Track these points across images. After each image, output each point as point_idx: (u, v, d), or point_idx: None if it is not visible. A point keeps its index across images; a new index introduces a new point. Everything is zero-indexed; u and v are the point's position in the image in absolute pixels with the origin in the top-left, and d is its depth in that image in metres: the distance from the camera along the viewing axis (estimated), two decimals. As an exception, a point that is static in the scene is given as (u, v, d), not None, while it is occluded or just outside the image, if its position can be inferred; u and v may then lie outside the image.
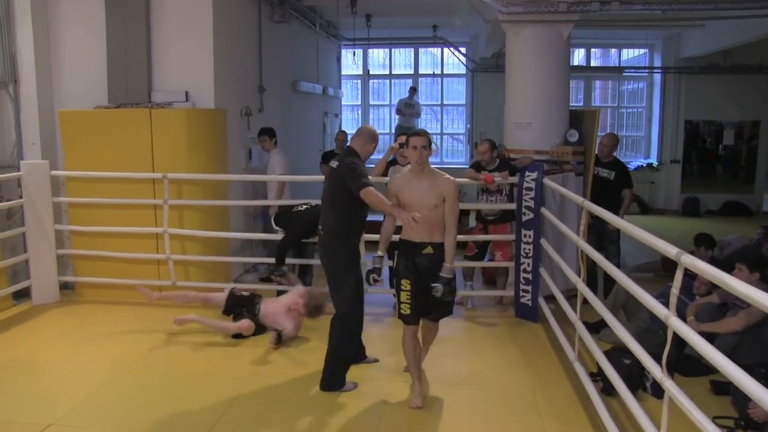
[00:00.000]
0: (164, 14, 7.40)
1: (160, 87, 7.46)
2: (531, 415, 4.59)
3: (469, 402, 4.88)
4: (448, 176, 4.57)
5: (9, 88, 7.32)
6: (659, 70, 14.88)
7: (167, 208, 6.89)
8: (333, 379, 4.98)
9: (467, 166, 8.33)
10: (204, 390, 4.95)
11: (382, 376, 5.35)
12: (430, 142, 4.56)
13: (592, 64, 15.98)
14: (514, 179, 6.62)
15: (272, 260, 7.17)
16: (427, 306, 4.73)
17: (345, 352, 5.07)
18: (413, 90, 15.10)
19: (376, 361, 5.57)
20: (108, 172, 6.93)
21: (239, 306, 6.19)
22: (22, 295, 7.17)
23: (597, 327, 5.88)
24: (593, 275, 7.02)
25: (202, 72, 7.40)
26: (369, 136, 5.08)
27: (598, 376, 4.87)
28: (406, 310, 4.68)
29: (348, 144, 5.21)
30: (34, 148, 7.40)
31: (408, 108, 14.91)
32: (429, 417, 4.62)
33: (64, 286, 7.43)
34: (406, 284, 4.64)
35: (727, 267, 4.54)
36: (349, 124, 16.45)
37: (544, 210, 6.39)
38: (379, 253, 4.74)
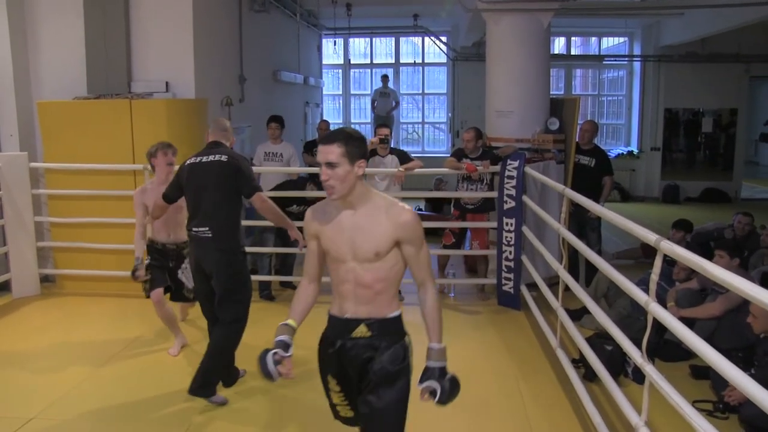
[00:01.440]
0: (144, 3, 7.32)
1: (139, 77, 7.39)
2: (514, 402, 4.63)
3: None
4: (403, 206, 2.80)
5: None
6: (639, 59, 14.98)
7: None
8: (208, 386, 4.53)
9: (448, 155, 8.36)
10: (186, 382, 4.94)
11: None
12: (361, 153, 2.73)
13: (573, 52, 16.06)
14: (496, 168, 6.65)
15: (257, 250, 7.24)
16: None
17: (228, 359, 4.70)
18: (385, 78, 15.12)
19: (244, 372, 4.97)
20: (88, 164, 6.87)
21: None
22: (2, 288, 7.10)
23: (579, 314, 5.95)
24: (574, 263, 7.08)
25: (183, 62, 7.34)
26: (230, 130, 4.76)
27: (579, 362, 4.93)
28: (345, 412, 3.14)
29: (213, 139, 4.66)
30: (12, 139, 7.31)
31: (383, 97, 14.93)
32: (411, 405, 4.63)
33: (45, 279, 7.37)
34: (333, 384, 3.07)
35: (697, 248, 4.61)
36: (331, 114, 16.44)
37: (525, 198, 6.43)
38: (290, 322, 3.02)
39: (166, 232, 5.30)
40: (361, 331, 2.87)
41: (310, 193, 7.54)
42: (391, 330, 2.91)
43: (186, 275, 5.34)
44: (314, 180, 8.54)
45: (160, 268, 5.33)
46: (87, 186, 6.96)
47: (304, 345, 5.70)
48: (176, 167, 4.89)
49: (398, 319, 2.93)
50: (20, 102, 7.33)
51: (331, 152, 2.67)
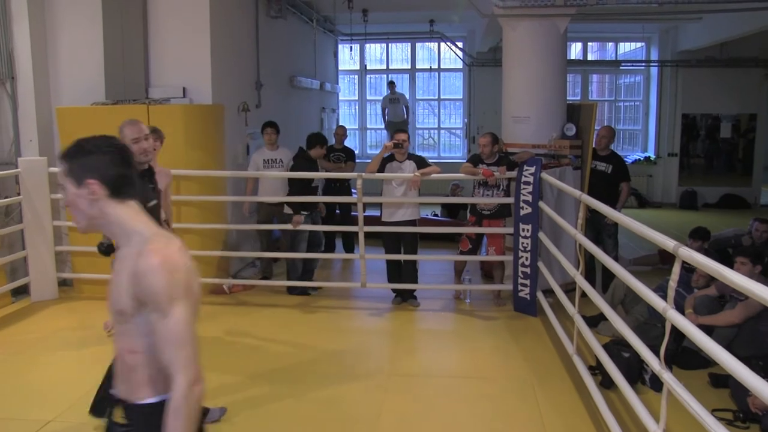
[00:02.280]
0: (161, 10, 7.38)
1: (157, 83, 7.44)
2: (530, 408, 4.60)
3: (467, 395, 4.90)
4: (157, 247, 1.99)
5: (6, 85, 7.31)
6: (656, 64, 14.89)
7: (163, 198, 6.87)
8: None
9: (464, 160, 8.34)
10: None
11: (374, 373, 5.36)
12: (89, 169, 2.08)
13: (589, 57, 15.99)
14: (512, 174, 6.63)
15: (267, 255, 7.33)
16: None
17: None
18: (392, 84, 15.11)
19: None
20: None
21: None
22: (21, 292, 7.16)
23: (595, 321, 5.91)
24: (591, 269, 7.04)
25: (200, 68, 7.38)
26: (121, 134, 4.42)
27: (596, 369, 4.89)
28: None
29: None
30: (32, 144, 7.39)
31: (393, 103, 14.92)
32: (427, 410, 4.63)
33: (63, 283, 7.42)
34: None
35: (715, 255, 4.56)
36: (347, 119, 16.46)
37: (542, 204, 6.39)
38: None
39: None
40: (118, 415, 2.14)
41: (323, 198, 7.60)
42: (150, 422, 2.01)
43: None
44: (330, 187, 8.59)
45: None
46: (105, 191, 6.99)
47: (311, 345, 5.73)
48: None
49: (157, 409, 2.00)
50: (40, 108, 7.42)
51: (61, 172, 2.09)
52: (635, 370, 4.79)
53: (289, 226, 7.15)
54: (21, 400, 4.73)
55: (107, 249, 4.66)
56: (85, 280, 7.31)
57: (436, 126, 16.72)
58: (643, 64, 15.34)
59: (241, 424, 4.40)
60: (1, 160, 7.31)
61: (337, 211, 9.02)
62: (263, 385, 5.01)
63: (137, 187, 2.12)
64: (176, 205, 7.06)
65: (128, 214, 2.06)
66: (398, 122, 14.45)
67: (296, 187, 7.23)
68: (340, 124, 11.76)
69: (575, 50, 15.60)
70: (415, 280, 7.07)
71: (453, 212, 11.08)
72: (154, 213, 4.10)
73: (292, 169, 7.41)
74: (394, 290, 7.13)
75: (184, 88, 7.35)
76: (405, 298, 7.06)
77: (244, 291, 7.44)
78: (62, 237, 7.48)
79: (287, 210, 7.28)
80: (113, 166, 2.08)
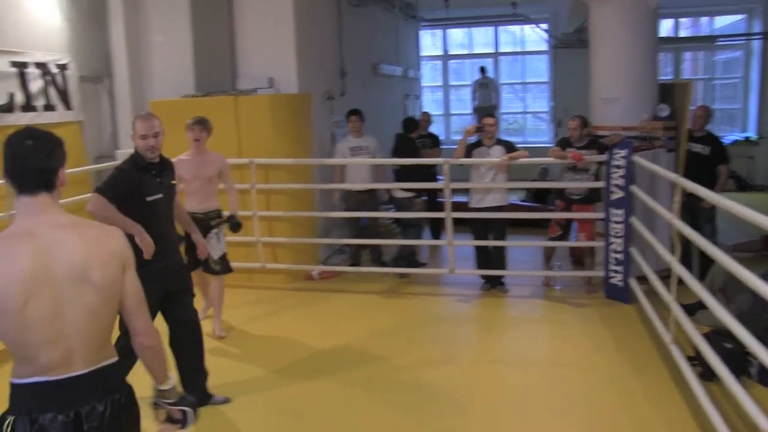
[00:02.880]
0: (246, 3, 7.53)
1: (244, 74, 7.60)
2: (625, 399, 4.47)
3: (559, 384, 4.81)
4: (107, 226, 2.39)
5: (105, 83, 7.64)
6: (759, 36, 14.04)
7: (255, 192, 7.03)
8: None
9: (551, 145, 8.16)
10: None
11: (463, 359, 5.32)
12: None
13: (681, 34, 15.28)
14: (603, 157, 6.43)
15: (355, 241, 7.47)
16: None
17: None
18: (483, 69, 14.87)
19: (226, 401, 4.55)
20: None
21: None
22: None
23: (692, 309, 5.65)
24: (687, 255, 6.75)
25: (285, 58, 7.50)
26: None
27: (695, 360, 4.68)
28: None
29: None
30: (129, 138, 7.67)
31: (483, 88, 14.71)
32: (517, 397, 4.57)
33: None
34: None
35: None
36: (430, 105, 16.36)
37: (634, 188, 6.18)
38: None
39: (197, 200, 5.62)
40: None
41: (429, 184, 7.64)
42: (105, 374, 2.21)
43: (212, 245, 5.52)
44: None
45: (187, 245, 5.31)
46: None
47: (399, 331, 5.72)
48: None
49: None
50: (135, 102, 7.72)
51: None
52: (738, 363, 4.56)
53: (375, 214, 7.24)
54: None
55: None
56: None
57: (522, 110, 16.44)
58: (744, 38, 14.53)
59: (329, 406, 4.45)
60: (101, 153, 7.63)
61: (424, 198, 8.98)
62: (351, 369, 5.07)
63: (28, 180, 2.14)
64: (265, 193, 7.22)
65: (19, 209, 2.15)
66: (486, 107, 14.24)
67: (413, 172, 7.48)
68: (424, 110, 11.69)
69: (666, 27, 14.95)
70: (503, 267, 6.98)
71: (541, 197, 10.87)
72: (156, 207, 4.05)
73: (399, 154, 7.60)
74: (482, 276, 7.06)
75: (270, 79, 7.47)
76: (493, 284, 6.99)
77: (332, 277, 7.54)
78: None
79: (400, 194, 7.41)
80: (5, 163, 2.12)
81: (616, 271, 6.46)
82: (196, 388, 4.22)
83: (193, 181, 5.60)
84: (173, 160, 5.05)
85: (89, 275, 2.11)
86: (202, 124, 5.68)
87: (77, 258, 2.10)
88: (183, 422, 2.41)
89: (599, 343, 5.49)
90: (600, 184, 6.56)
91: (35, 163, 2.13)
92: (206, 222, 5.58)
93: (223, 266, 5.76)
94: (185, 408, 2.41)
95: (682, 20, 15.28)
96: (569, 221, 7.04)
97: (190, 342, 4.32)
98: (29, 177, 2.13)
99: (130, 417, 2.29)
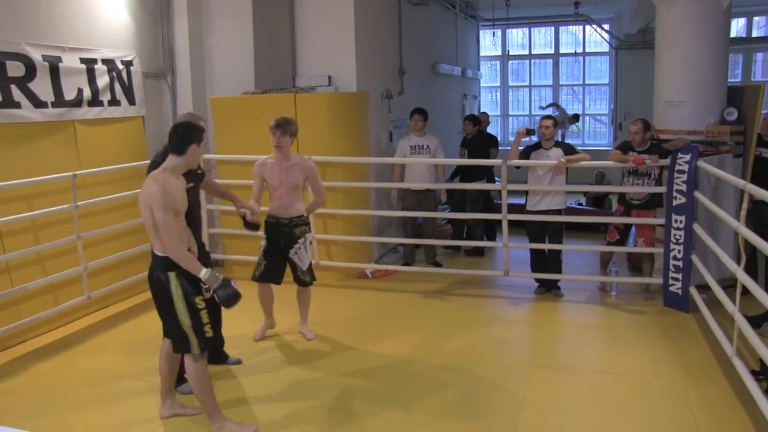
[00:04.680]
0: (308, 2, 7.60)
1: (303, 72, 7.67)
2: (682, 412, 4.34)
3: (613, 393, 4.71)
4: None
5: (167, 78, 7.81)
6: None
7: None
8: None
9: (610, 148, 8.00)
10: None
11: (515, 363, 5.25)
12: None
13: (754, 34, 14.74)
14: (666, 162, 6.27)
15: (409, 241, 7.43)
16: None
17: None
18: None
19: (239, 362, 5.22)
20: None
21: None
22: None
23: (758, 321, 5.47)
24: (752, 265, 6.53)
25: (344, 57, 7.54)
26: None
27: (761, 374, 4.52)
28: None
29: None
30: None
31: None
32: (570, 405, 4.49)
33: (215, 263, 7.81)
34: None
35: None
36: (488, 106, 16.26)
37: (697, 194, 6.01)
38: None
39: (281, 206, 5.44)
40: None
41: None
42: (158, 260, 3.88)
43: (300, 256, 5.48)
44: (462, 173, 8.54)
45: (273, 254, 5.46)
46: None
47: (450, 333, 5.67)
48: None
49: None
50: (196, 98, 7.87)
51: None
52: (806, 378, 4.40)
53: (432, 214, 7.31)
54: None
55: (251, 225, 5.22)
56: (235, 261, 7.67)
57: (581, 112, 16.17)
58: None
59: (378, 410, 4.45)
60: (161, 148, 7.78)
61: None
62: (401, 371, 5.06)
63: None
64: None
65: None
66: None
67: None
68: (483, 110, 11.61)
69: (737, 26, 14.45)
70: (559, 271, 6.88)
71: (598, 201, 10.69)
72: (188, 195, 4.15)
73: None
74: (537, 280, 6.98)
75: (329, 77, 7.52)
76: (548, 288, 6.90)
77: (386, 276, 7.54)
78: (214, 220, 7.89)
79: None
80: None
81: (675, 279, 6.29)
82: (214, 350, 4.95)
83: (278, 187, 5.40)
84: (258, 162, 5.24)
85: (140, 207, 3.76)
86: (282, 128, 5.29)
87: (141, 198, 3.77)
88: (224, 301, 3.81)
89: (656, 353, 5.35)
90: (661, 189, 6.40)
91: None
92: (291, 229, 5.45)
93: (311, 276, 5.64)
94: (221, 290, 3.78)
95: (756, 18, 14.71)
96: (628, 226, 6.90)
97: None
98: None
99: (162, 288, 3.84)
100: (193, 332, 3.87)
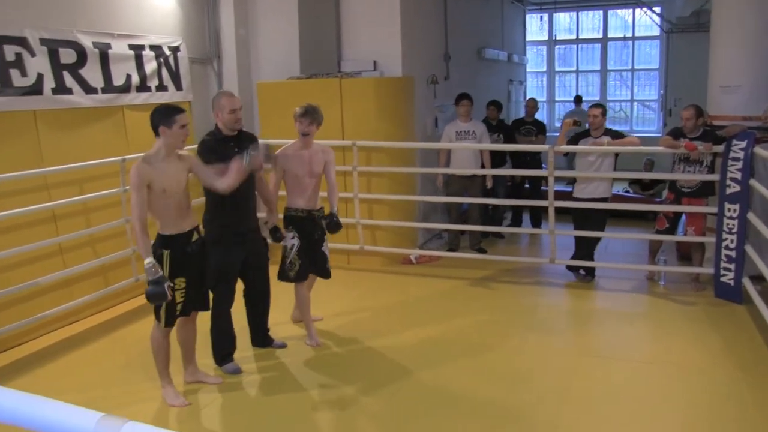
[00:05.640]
0: (353, -13, 7.58)
1: (349, 57, 7.66)
2: (733, 406, 4.23)
3: (661, 384, 4.61)
4: None
5: (213, 64, 7.88)
6: None
7: (356, 174, 7.08)
8: (214, 354, 4.85)
9: (659, 135, 7.83)
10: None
11: (561, 351, 5.19)
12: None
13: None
14: (719, 149, 6.10)
15: (454, 227, 7.46)
16: None
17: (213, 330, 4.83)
18: (579, 99, 14.24)
19: (284, 346, 5.23)
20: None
21: None
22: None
23: (814, 313, 5.32)
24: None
25: (390, 41, 7.50)
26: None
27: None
28: None
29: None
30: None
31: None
32: (615, 394, 4.42)
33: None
34: None
35: None
36: (534, 92, 16.05)
37: (753, 182, 5.84)
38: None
39: (305, 197, 5.15)
40: (194, 238, 4.29)
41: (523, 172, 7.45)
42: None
43: (326, 246, 5.36)
44: (520, 160, 8.43)
45: (305, 250, 5.19)
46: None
47: (495, 319, 5.63)
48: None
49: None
50: (242, 83, 7.92)
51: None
52: None
53: (478, 200, 7.30)
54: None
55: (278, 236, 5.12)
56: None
57: (629, 98, 15.86)
58: None
59: (418, 395, 4.44)
60: (207, 132, 7.84)
61: (526, 185, 8.85)
62: (445, 358, 5.04)
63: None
64: (366, 175, 7.26)
65: None
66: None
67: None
68: (531, 96, 11.47)
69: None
70: (588, 257, 6.78)
71: (646, 189, 10.49)
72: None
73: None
74: (582, 267, 6.88)
75: (374, 62, 7.50)
76: (588, 272, 6.81)
77: (430, 262, 7.52)
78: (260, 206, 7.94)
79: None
80: None
81: (727, 269, 6.13)
82: (260, 334, 5.15)
83: (304, 178, 5.10)
84: (278, 152, 5.17)
85: None
86: (311, 115, 5.09)
87: None
88: (149, 295, 3.83)
89: (706, 344, 5.23)
90: (714, 177, 6.23)
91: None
92: (314, 221, 5.22)
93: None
94: (152, 285, 3.80)
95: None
96: (678, 215, 6.75)
97: (260, 303, 5.09)
98: None
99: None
100: (166, 307, 4.13)
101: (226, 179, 4.23)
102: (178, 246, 4.11)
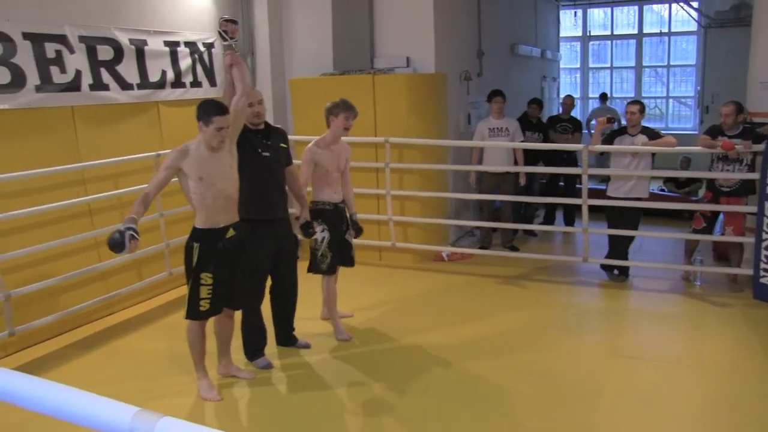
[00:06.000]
0: (386, -18, 7.55)
1: (382, 53, 7.64)
2: (770, 409, 4.15)
3: (694, 386, 4.53)
4: None
5: (247, 60, 7.90)
6: None
7: (389, 171, 7.07)
8: (245, 349, 4.90)
9: (695, 132, 7.69)
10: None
11: (594, 352, 5.13)
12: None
13: None
14: (760, 147, 5.97)
15: (486, 224, 7.50)
16: None
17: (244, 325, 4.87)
18: (605, 97, 14.05)
19: (307, 346, 5.19)
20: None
21: None
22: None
23: None
24: None
25: (423, 38, 7.47)
26: None
27: None
28: None
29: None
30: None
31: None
32: (649, 395, 4.35)
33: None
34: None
35: None
36: (568, 88, 15.89)
37: (794, 181, 5.71)
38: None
39: (331, 191, 5.23)
40: (230, 234, 4.23)
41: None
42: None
43: (350, 236, 5.40)
44: (556, 158, 8.33)
45: (335, 243, 5.22)
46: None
47: (527, 317, 5.57)
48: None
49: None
50: (275, 79, 7.95)
51: None
52: None
53: (510, 197, 7.28)
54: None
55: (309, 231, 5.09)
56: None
57: (664, 95, 15.62)
58: None
59: (454, 396, 4.42)
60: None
61: (561, 183, 8.76)
62: (475, 357, 5.00)
63: None
64: (398, 172, 7.25)
65: None
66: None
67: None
68: (568, 93, 11.34)
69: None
70: (622, 256, 6.69)
71: (682, 188, 10.33)
72: (266, 163, 4.65)
73: None
74: (616, 266, 6.80)
75: (407, 58, 7.47)
76: (622, 271, 6.72)
77: (462, 260, 7.49)
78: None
79: None
80: None
81: (766, 271, 6.01)
82: (285, 332, 5.15)
83: (332, 172, 5.19)
84: (309, 145, 5.17)
85: None
86: (356, 113, 5.25)
87: None
88: (109, 240, 3.70)
89: (744, 347, 5.12)
90: (754, 176, 6.10)
91: None
92: (341, 213, 5.30)
93: None
94: (114, 233, 3.70)
95: None
96: (716, 214, 6.63)
97: (288, 299, 5.07)
98: None
99: (186, 255, 4.16)
100: (188, 300, 4.17)
101: (238, 81, 4.41)
102: (209, 241, 4.11)
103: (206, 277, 4.12)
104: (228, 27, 4.69)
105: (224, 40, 4.67)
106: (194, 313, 4.20)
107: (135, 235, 3.72)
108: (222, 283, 4.19)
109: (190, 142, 4.09)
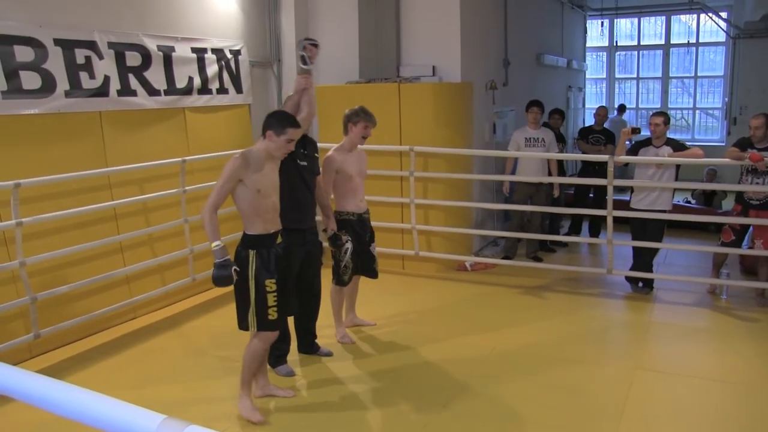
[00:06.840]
0: (413, -6, 7.56)
1: (408, 62, 7.64)
2: (801, 427, 4.07)
3: (720, 401, 4.46)
4: None
5: (273, 67, 7.96)
6: None
7: (413, 179, 7.06)
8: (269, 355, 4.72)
9: (722, 144, 7.59)
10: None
11: (617, 364, 5.06)
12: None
13: None
14: (790, 160, 5.88)
15: (510, 234, 7.46)
16: None
17: None
18: (623, 108, 13.96)
19: (329, 354, 5.17)
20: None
21: None
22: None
23: None
24: None
25: (449, 47, 7.47)
26: None
27: None
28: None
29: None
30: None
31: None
32: (674, 410, 4.28)
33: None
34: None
35: None
36: (594, 99, 15.80)
37: (825, 195, 5.61)
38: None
39: (357, 199, 5.23)
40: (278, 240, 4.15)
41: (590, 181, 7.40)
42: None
43: (373, 248, 5.39)
44: (588, 169, 8.25)
45: (358, 253, 5.25)
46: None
47: (551, 329, 5.52)
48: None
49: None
50: (301, 87, 7.95)
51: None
52: None
53: (538, 208, 7.35)
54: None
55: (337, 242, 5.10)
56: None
57: (691, 106, 15.47)
58: None
59: (477, 408, 4.39)
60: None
61: (591, 195, 8.68)
62: (499, 368, 4.97)
63: None
64: (423, 181, 7.24)
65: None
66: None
67: None
68: (601, 104, 11.25)
69: None
70: (649, 269, 6.62)
71: (708, 200, 10.20)
72: (302, 172, 4.69)
73: None
74: (640, 278, 6.72)
75: (433, 67, 7.46)
76: (647, 284, 6.64)
77: (485, 269, 7.45)
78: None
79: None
80: None
81: (796, 285, 5.91)
82: (307, 340, 5.14)
83: (355, 178, 5.19)
84: (329, 152, 5.18)
85: None
86: (375, 122, 5.26)
87: None
88: (215, 279, 3.85)
89: (771, 363, 5.04)
90: (785, 189, 6.01)
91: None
92: (364, 224, 5.32)
93: None
94: (218, 268, 3.82)
95: None
96: (745, 227, 6.53)
97: (312, 306, 5.06)
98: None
99: (240, 264, 4.00)
100: (255, 311, 4.00)
101: (306, 104, 4.59)
102: (264, 246, 4.00)
103: (270, 284, 3.98)
104: (312, 52, 4.71)
105: (304, 63, 4.65)
106: (265, 323, 4.03)
107: (237, 268, 3.89)
108: (282, 291, 4.06)
109: (248, 152, 3.96)
